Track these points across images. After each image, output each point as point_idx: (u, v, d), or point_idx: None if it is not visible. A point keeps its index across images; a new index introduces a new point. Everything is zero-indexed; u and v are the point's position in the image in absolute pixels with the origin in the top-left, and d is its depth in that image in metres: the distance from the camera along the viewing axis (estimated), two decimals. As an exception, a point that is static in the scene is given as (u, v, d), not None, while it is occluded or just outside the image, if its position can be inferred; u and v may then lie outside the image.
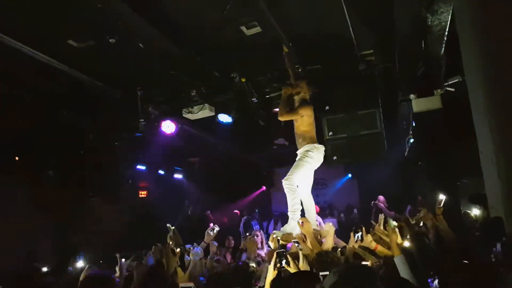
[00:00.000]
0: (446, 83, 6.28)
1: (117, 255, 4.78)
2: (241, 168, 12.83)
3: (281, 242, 5.05)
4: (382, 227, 4.62)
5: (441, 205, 4.42)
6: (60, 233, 8.38)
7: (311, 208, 5.77)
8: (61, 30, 5.27)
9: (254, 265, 4.82)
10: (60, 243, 8.13)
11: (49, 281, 4.81)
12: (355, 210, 11.35)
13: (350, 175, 13.15)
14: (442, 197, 4.67)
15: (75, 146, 8.32)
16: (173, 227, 5.11)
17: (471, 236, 4.26)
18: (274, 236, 5.21)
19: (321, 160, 5.69)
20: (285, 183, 5.50)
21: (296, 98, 5.68)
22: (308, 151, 5.53)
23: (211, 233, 5.27)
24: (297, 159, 5.65)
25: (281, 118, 5.69)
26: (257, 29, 5.58)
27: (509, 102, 1.66)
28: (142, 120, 6.81)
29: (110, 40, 5.34)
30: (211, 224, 5.50)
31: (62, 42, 5.48)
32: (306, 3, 5.19)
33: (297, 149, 5.71)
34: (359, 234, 4.47)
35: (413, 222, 4.39)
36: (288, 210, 5.57)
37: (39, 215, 7.71)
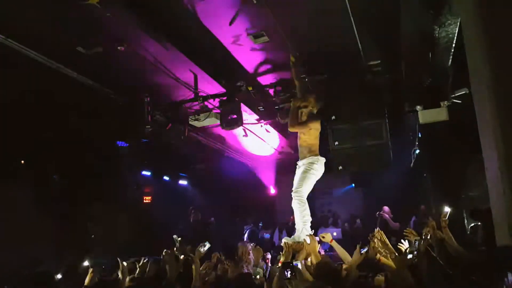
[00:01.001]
0: (453, 95, 6.26)
1: (119, 259, 4.78)
2: (245, 176, 12.85)
3: (292, 250, 5.03)
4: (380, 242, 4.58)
5: (446, 217, 4.40)
6: (63, 237, 8.40)
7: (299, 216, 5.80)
8: (70, 37, 5.32)
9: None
10: (64, 248, 8.15)
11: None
12: (358, 220, 11.30)
13: (353, 185, 13.11)
14: (447, 209, 4.64)
15: (81, 151, 8.38)
16: (179, 238, 5.12)
17: (479, 253, 4.22)
18: (286, 242, 5.23)
19: (323, 171, 5.75)
20: (295, 195, 5.55)
21: (304, 111, 5.68)
22: (312, 163, 5.58)
23: (202, 250, 5.25)
24: (300, 170, 5.68)
25: (291, 129, 5.71)
26: (265, 39, 5.62)
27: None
28: (149, 126, 6.84)
29: (118, 47, 5.41)
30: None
31: (70, 48, 5.53)
32: (314, 14, 5.22)
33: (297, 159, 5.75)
34: (365, 249, 4.42)
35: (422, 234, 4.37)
36: (298, 220, 5.59)
37: (43, 219, 7.73)
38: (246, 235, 10.55)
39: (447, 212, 4.54)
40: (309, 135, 5.68)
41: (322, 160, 5.70)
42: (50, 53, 5.53)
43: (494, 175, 1.68)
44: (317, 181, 5.75)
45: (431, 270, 3.56)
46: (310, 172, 5.58)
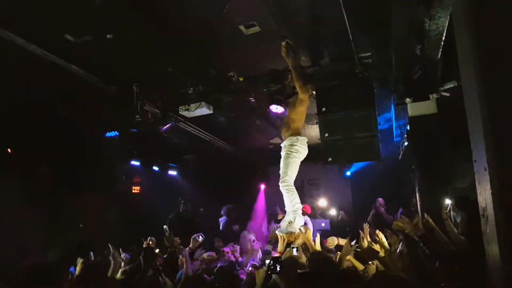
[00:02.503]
0: (442, 88, 6.31)
1: (110, 245, 4.79)
2: (236, 167, 12.85)
3: (285, 240, 5.08)
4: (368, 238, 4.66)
5: (448, 210, 4.48)
6: (52, 228, 8.34)
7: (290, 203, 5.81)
8: (58, 24, 5.23)
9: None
10: (52, 238, 8.09)
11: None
12: (342, 212, 11.26)
13: (345, 176, 13.14)
14: (448, 201, 4.73)
15: (70, 141, 8.29)
16: (169, 229, 5.13)
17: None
18: (279, 233, 5.27)
19: (306, 151, 5.74)
20: (282, 185, 5.55)
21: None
22: (292, 145, 5.57)
23: (199, 239, 5.27)
24: (282, 153, 5.67)
25: (305, 90, 5.72)
26: (256, 29, 5.59)
27: (505, 110, 1.67)
28: (138, 116, 6.79)
29: (107, 36, 5.33)
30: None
31: (58, 36, 5.44)
32: (306, 4, 5.20)
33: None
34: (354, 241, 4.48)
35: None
36: (289, 210, 5.60)
37: (32, 210, 7.66)
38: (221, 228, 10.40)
39: (448, 205, 4.62)
40: (295, 114, 5.70)
41: (302, 139, 5.69)
42: (38, 39, 5.43)
43: (482, 167, 1.71)
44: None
45: (417, 262, 3.62)
46: (291, 156, 5.57)
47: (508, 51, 1.74)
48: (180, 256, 4.54)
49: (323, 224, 9.85)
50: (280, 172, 5.68)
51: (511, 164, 1.63)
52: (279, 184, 5.61)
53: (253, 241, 6.89)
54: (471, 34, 1.83)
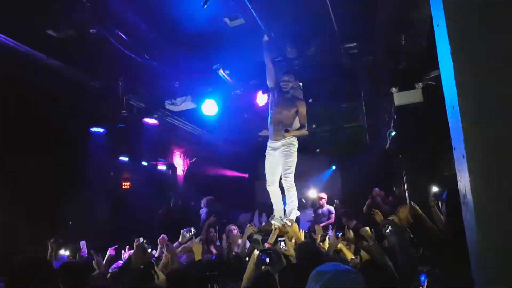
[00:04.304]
0: (427, 77, 6.35)
1: (92, 252, 4.64)
2: (225, 160, 12.83)
3: (278, 231, 5.11)
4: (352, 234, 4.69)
5: (434, 197, 4.53)
6: (40, 224, 8.27)
7: (280, 200, 5.95)
8: (40, 20, 5.14)
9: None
10: (41, 235, 8.03)
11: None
12: (336, 201, 11.24)
13: (334, 167, 13.20)
14: (435, 189, 4.77)
15: (57, 137, 8.20)
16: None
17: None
18: (274, 223, 5.34)
19: None
20: (287, 180, 5.66)
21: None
22: (293, 145, 5.68)
23: (187, 235, 5.22)
24: (282, 151, 5.72)
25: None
26: (240, 21, 5.55)
27: (481, 98, 1.69)
28: (124, 111, 6.73)
29: (90, 30, 5.26)
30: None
31: (40, 32, 5.35)
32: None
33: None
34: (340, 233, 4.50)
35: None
36: (289, 203, 5.73)
37: (19, 206, 7.59)
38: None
39: (434, 192, 4.66)
40: (293, 113, 5.76)
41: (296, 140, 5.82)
42: (19, 35, 5.34)
43: (461, 154, 1.72)
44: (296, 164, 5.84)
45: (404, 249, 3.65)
46: (293, 155, 5.71)
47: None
48: (166, 253, 4.47)
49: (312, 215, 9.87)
50: (282, 169, 5.74)
51: (489, 151, 1.64)
52: (284, 180, 5.69)
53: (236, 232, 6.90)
54: (448, 21, 1.84)
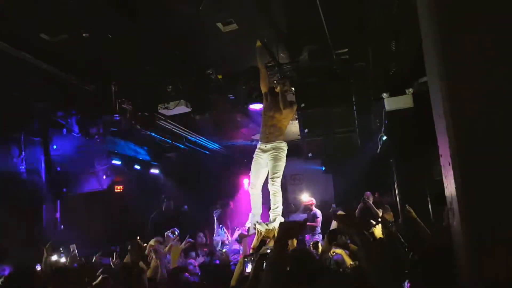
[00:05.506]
0: (418, 82, 6.42)
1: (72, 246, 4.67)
2: (217, 164, 12.83)
3: (263, 236, 5.11)
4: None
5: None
6: (32, 229, 8.23)
7: (259, 205, 5.95)
8: (33, 24, 5.14)
9: None
10: (33, 239, 7.99)
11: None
12: (333, 205, 11.27)
13: (323, 168, 13.20)
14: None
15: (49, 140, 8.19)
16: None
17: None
18: (258, 228, 5.30)
19: None
20: (274, 184, 5.64)
21: (287, 94, 5.92)
22: (282, 149, 5.70)
23: (171, 236, 5.22)
24: (271, 155, 5.74)
25: (287, 111, 5.83)
26: (234, 26, 5.59)
27: (465, 105, 1.73)
28: (117, 115, 6.73)
29: (84, 34, 5.26)
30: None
31: (34, 36, 5.35)
32: (283, 1, 5.22)
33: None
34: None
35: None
36: (273, 208, 5.70)
37: (10, 210, 7.54)
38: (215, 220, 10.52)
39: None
40: (286, 116, 5.80)
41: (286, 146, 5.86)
42: (13, 39, 5.33)
43: (447, 161, 1.76)
44: (287, 168, 5.87)
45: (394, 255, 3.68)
46: (282, 160, 5.71)
47: (469, 45, 1.80)
48: (154, 257, 4.48)
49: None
50: (270, 173, 5.74)
51: (473, 158, 1.68)
52: (272, 184, 5.67)
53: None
54: (434, 30, 1.88)
